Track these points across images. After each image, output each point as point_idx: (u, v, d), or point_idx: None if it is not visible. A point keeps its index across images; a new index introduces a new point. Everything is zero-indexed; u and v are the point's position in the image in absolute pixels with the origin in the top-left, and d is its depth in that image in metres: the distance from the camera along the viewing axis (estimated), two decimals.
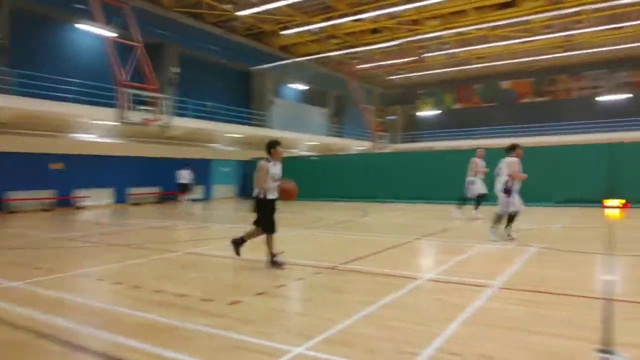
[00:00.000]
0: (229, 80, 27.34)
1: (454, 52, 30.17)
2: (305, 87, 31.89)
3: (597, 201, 14.46)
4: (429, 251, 7.76)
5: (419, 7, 22.27)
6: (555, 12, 22.05)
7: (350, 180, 20.48)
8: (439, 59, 31.71)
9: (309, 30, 25.40)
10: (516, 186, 7.80)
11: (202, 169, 22.86)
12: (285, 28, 25.02)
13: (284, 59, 28.63)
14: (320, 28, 25.03)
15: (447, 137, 34.73)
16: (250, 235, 6.26)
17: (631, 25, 25.05)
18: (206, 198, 23.69)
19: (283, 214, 7.34)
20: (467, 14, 23.61)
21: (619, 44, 28.34)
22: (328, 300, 4.62)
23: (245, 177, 24.39)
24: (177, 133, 21.00)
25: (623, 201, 14.28)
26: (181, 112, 21.28)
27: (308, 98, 33.61)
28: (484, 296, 4.52)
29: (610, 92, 32.22)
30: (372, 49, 28.18)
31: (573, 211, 13.43)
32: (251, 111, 27.14)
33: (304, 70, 30.50)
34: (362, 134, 35.09)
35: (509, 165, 7.77)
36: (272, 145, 6.12)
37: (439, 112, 39.18)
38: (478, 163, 11.60)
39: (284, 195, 6.10)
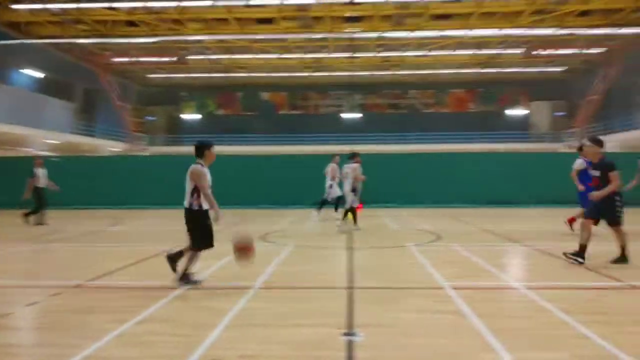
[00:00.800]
0: None
1: (217, 58, 30.78)
2: (42, 75, 27.29)
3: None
4: None
5: (180, 7, 21.91)
6: (305, 35, 24.94)
7: (101, 185, 18.45)
8: (203, 63, 31.86)
9: (48, 9, 21.88)
10: (359, 186, 10.33)
11: None
12: (18, 2, 20.96)
13: (12, 38, 23.85)
14: (62, 9, 21.87)
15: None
16: (191, 258, 5.27)
17: (364, 57, 30.44)
18: None
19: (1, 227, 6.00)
20: (229, 23, 24.46)
21: (355, 71, 34.09)
22: (72, 324, 3.97)
23: None
24: None
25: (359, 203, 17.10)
26: None
27: (48, 88, 28.80)
28: (245, 298, 4.65)
29: (349, 110, 38.38)
30: (127, 42, 26.21)
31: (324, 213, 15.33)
32: None
33: (42, 54, 26.07)
34: (117, 134, 32.16)
35: (353, 170, 10.11)
36: (204, 147, 5.26)
37: (202, 116, 39.26)
38: (335, 168, 12.42)
39: (244, 254, 5.12)
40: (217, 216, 5.15)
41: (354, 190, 10.14)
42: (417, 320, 3.99)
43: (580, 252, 6.17)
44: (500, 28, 24.65)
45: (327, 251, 7.73)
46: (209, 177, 5.22)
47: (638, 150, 23.84)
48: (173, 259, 5.27)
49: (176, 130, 38.31)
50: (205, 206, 5.20)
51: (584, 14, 24.07)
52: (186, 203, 5.20)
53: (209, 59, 30.68)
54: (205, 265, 6.54)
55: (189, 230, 5.24)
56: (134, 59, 29.47)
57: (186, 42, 26.83)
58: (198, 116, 39.23)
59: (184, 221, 5.24)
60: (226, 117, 39.08)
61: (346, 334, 3.57)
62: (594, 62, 31.44)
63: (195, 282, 5.25)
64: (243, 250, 5.13)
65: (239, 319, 4.01)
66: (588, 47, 27.88)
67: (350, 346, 3.34)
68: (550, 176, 18.41)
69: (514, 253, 7.70)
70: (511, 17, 24.13)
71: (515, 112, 38.45)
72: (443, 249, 7.82)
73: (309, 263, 6.62)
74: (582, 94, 32.62)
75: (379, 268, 6.43)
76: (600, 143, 6.41)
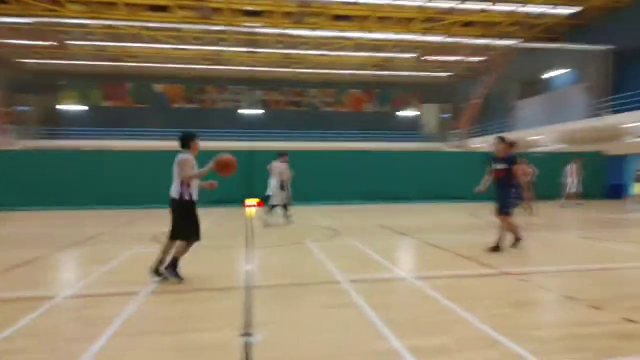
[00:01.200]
0: None
1: (103, 45, 28.52)
2: None
3: (238, 201, 16.69)
4: (71, 264, 6.94)
5: None
6: (203, 26, 24.12)
7: None
8: (86, 50, 29.29)
9: None
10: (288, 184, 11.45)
11: None
12: None
13: None
14: None
15: (97, 135, 32.43)
16: (181, 250, 5.32)
17: (264, 52, 30.29)
18: None
19: None
20: (118, 8, 22.78)
21: (255, 66, 33.79)
22: None
23: None
24: None
25: (258, 200, 17.00)
26: None
27: None
28: (134, 304, 4.38)
29: (249, 106, 37.93)
30: None
31: (220, 211, 14.99)
32: None
33: None
34: None
35: (279, 168, 11.20)
36: (190, 138, 5.40)
37: (85, 107, 36.09)
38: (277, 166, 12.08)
39: (226, 168, 5.17)
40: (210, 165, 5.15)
41: (282, 187, 11.22)
42: (315, 315, 4.07)
43: (517, 239, 7.34)
44: (395, 33, 26.12)
45: (224, 251, 7.57)
46: (195, 168, 5.31)
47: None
48: (157, 270, 5.26)
49: (54, 122, 34.77)
50: (195, 197, 5.35)
51: (467, 24, 26.43)
52: (175, 193, 5.25)
53: (92, 46, 28.29)
54: (89, 271, 6.03)
55: (176, 220, 5.26)
56: (2, 41, 26.15)
57: (66, 25, 24.43)
58: (81, 107, 35.97)
59: (169, 211, 5.28)
60: (114, 109, 36.39)
61: (244, 335, 3.52)
62: (475, 69, 34.66)
63: (179, 278, 5.25)
64: (225, 166, 5.19)
65: (127, 327, 3.76)
66: (471, 55, 30.68)
67: (247, 347, 3.31)
68: (437, 173, 20.00)
69: (406, 246, 8.21)
70: (404, 23, 25.69)
71: (408, 113, 41.04)
72: (341, 245, 8.08)
73: (205, 263, 6.43)
74: (466, 98, 35.84)
75: (277, 266, 6.45)
76: (508, 141, 7.46)
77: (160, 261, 5.28)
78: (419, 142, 37.07)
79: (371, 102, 40.87)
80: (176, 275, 5.26)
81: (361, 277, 5.44)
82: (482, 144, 26.96)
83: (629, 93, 23.02)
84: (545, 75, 31.04)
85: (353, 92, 40.27)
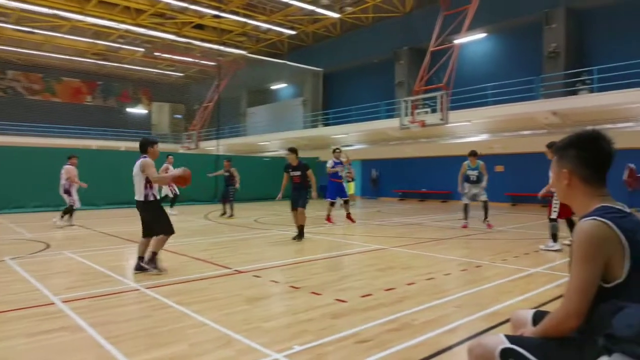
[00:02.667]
0: None
1: None
2: None
3: None
4: None
5: None
6: None
7: None
8: None
9: None
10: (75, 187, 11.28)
11: None
12: None
13: None
14: None
15: None
16: (160, 244, 5.89)
17: None
18: None
19: None
20: None
21: None
22: None
23: None
24: None
25: None
26: None
27: None
28: None
29: None
30: None
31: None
32: None
33: None
34: None
35: (67, 172, 11.15)
36: (150, 144, 5.96)
37: None
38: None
39: (184, 181, 5.89)
40: (178, 173, 5.86)
41: (67, 192, 11.15)
42: (23, 346, 3.35)
43: (300, 233, 8.82)
44: (120, 22, 24.37)
45: None
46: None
47: (244, 153, 28.68)
48: (140, 267, 5.82)
49: None
50: (158, 196, 5.96)
51: (199, 27, 26.85)
52: (140, 196, 5.78)
53: None
54: None
55: (151, 221, 5.86)
56: None
57: None
58: None
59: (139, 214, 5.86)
60: None
61: None
62: (208, 73, 35.53)
63: (160, 269, 5.81)
64: (182, 179, 5.87)
65: None
66: (202, 59, 31.27)
67: None
68: None
69: (135, 254, 7.69)
70: (133, 14, 24.23)
71: (137, 110, 38.94)
72: (53, 259, 6.98)
73: None
74: (199, 100, 36.36)
75: None
76: (296, 151, 9.03)
77: (155, 251, 5.86)
78: None
79: (93, 94, 37.08)
80: (157, 267, 5.83)
81: (80, 295, 4.79)
82: (215, 147, 27.86)
83: (334, 110, 27.73)
84: (272, 87, 34.40)
85: (69, 81, 35.70)
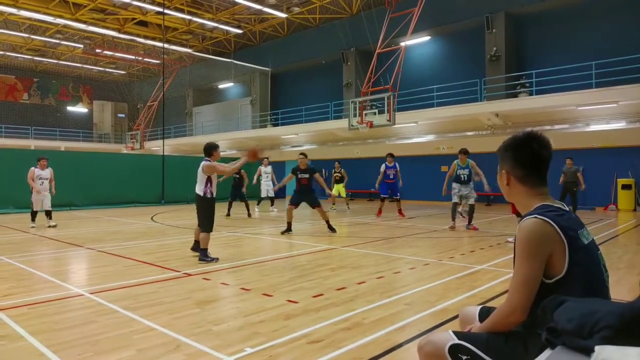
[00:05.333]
0: None
1: None
2: None
3: None
4: None
5: None
6: None
7: None
8: None
9: None
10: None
11: None
12: None
13: None
14: None
15: None
16: (205, 242, 6.70)
17: None
18: None
19: None
20: None
21: None
22: None
23: None
24: None
25: None
26: None
27: None
28: None
29: None
30: None
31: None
32: None
33: None
34: None
35: (31, 173, 10.86)
36: (214, 148, 6.96)
37: None
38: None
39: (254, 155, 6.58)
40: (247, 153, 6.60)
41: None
42: None
43: (288, 228, 9.77)
44: (57, 17, 23.11)
45: None
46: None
47: (190, 154, 27.97)
48: (196, 248, 6.97)
49: None
50: (215, 194, 6.80)
51: (142, 24, 25.93)
52: (200, 191, 6.74)
53: None
54: None
55: (200, 213, 6.78)
56: None
57: None
58: None
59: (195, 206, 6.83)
60: None
61: None
62: (152, 71, 34.43)
63: (213, 259, 6.62)
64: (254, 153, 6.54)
65: None
66: (145, 56, 30.24)
67: None
68: (111, 177, 18.81)
69: (79, 258, 7.34)
70: (71, 8, 23.04)
71: (78, 109, 37.10)
72: None
73: None
74: (143, 99, 35.13)
75: None
76: (306, 155, 10.04)
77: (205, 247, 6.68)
78: (91, 142, 34.14)
79: (28, 91, 34.97)
80: (211, 259, 6.64)
81: (18, 302, 4.52)
82: (160, 147, 27.02)
83: (283, 110, 27.61)
84: (220, 86, 33.77)
85: (3, 77, 33.52)
